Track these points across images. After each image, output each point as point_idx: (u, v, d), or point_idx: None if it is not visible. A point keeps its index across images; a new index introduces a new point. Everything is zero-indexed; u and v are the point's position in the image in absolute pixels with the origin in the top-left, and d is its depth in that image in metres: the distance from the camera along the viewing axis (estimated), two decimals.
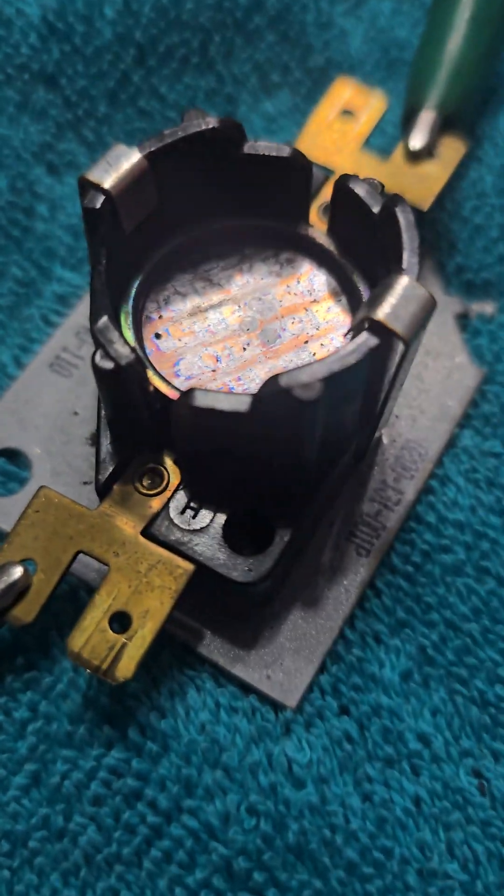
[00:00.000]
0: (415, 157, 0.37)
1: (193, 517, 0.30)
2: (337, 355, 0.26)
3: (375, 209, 0.30)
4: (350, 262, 0.32)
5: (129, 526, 0.30)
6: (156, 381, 0.29)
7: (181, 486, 0.30)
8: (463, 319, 0.38)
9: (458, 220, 0.39)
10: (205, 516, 0.30)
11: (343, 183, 0.30)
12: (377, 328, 0.26)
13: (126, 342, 0.27)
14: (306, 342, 0.32)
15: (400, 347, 0.27)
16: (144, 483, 0.30)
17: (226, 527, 0.30)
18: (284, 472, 0.29)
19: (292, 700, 0.31)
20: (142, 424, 0.30)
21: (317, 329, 0.32)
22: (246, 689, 0.31)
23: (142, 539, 0.30)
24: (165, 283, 0.33)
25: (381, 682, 0.31)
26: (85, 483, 0.34)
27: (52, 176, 0.40)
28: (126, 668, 0.28)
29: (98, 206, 0.29)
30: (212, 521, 0.30)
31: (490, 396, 0.36)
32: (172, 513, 0.30)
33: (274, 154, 0.31)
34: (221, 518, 0.30)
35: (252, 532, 0.30)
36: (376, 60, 0.43)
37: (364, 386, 0.28)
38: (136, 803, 0.29)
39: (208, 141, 0.30)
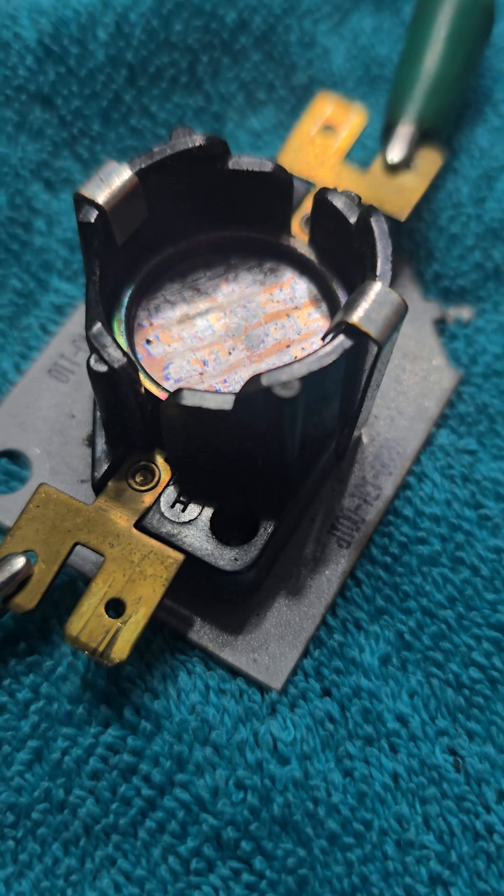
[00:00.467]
0: (393, 169, 0.38)
1: (183, 511, 0.31)
2: (315, 356, 0.28)
3: (352, 220, 0.31)
4: (329, 270, 0.34)
5: (122, 519, 0.31)
6: (147, 384, 0.31)
7: (171, 482, 0.32)
8: (440, 324, 0.39)
9: (435, 229, 0.40)
10: (193, 510, 0.31)
11: (322, 196, 0.32)
12: (352, 331, 0.28)
13: (119, 347, 0.29)
14: (288, 346, 0.33)
15: (374, 349, 0.28)
16: (137, 479, 0.32)
17: (213, 519, 0.31)
18: (268, 467, 0.31)
19: (277, 682, 0.32)
20: (134, 424, 0.31)
21: (298, 334, 0.33)
22: (234, 672, 0.32)
23: (135, 531, 0.31)
24: (155, 292, 0.34)
25: (361, 666, 0.33)
26: (82, 481, 0.35)
27: (49, 192, 0.41)
28: (121, 650, 0.30)
29: (92, 220, 0.30)
30: (200, 514, 0.31)
31: (466, 397, 0.37)
32: (163, 507, 0.31)
33: (257, 169, 0.32)
34: (209, 511, 0.31)
35: (238, 524, 0.32)
36: (358, 77, 0.45)
37: (341, 385, 0.30)
38: (132, 777, 0.31)
39: (195, 157, 0.32)
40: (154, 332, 0.33)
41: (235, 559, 0.31)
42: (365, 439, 0.36)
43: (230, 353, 0.33)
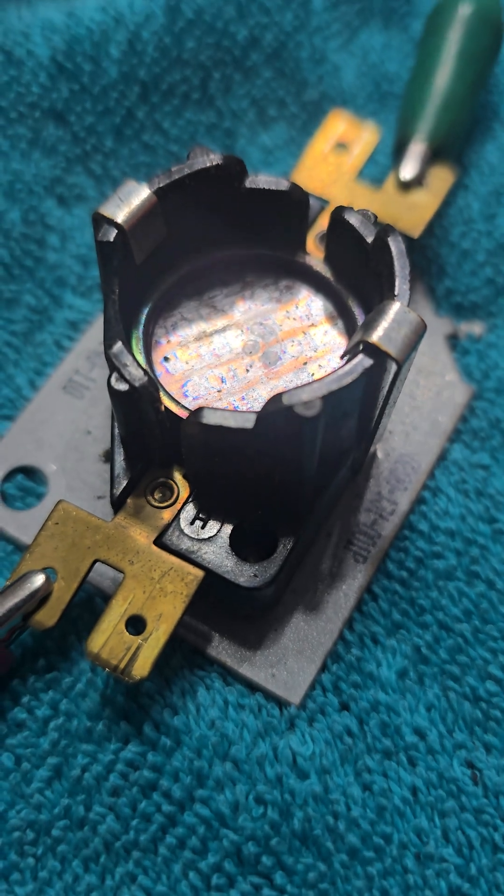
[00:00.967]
0: (406, 186, 0.38)
1: (202, 527, 0.31)
2: (335, 375, 0.28)
3: (369, 239, 0.31)
4: (345, 287, 0.34)
5: (142, 536, 0.31)
6: (166, 402, 0.31)
7: (190, 499, 0.32)
8: (453, 340, 0.39)
9: (446, 245, 0.41)
10: (213, 526, 0.32)
11: (338, 214, 0.32)
12: (372, 350, 0.28)
13: (139, 365, 0.29)
14: (305, 363, 0.33)
15: (393, 368, 0.29)
16: (156, 496, 0.32)
17: (232, 536, 0.32)
18: (286, 484, 0.31)
19: (296, 697, 0.32)
20: (153, 442, 0.31)
21: (315, 351, 0.33)
22: (252, 687, 0.33)
23: (154, 548, 0.31)
24: (173, 310, 0.34)
25: (378, 680, 0.33)
26: (99, 497, 0.35)
27: (62, 208, 0.42)
28: (142, 667, 0.30)
29: (111, 239, 0.30)
30: (219, 530, 0.31)
31: (479, 412, 0.38)
32: (183, 523, 0.32)
33: (273, 188, 0.32)
34: (228, 528, 0.31)
35: (257, 541, 0.32)
36: (368, 94, 0.45)
37: (360, 403, 0.30)
38: (152, 794, 0.31)
39: (213, 176, 0.32)
40: (172, 349, 0.33)
41: (255, 575, 0.31)
42: (380, 455, 0.36)
43: (248, 371, 0.33)
